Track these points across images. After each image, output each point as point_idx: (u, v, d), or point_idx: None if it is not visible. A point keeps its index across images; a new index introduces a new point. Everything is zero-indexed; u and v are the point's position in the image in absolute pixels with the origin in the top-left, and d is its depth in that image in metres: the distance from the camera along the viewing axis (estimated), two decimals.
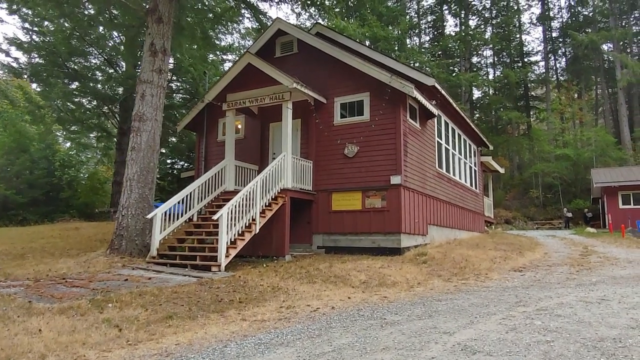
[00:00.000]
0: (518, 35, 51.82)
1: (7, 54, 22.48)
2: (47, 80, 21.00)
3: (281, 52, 13.56)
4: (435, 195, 13.69)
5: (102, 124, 25.28)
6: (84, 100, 22.68)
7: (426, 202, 12.96)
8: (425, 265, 9.74)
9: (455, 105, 15.18)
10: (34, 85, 24.81)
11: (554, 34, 52.83)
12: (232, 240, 9.36)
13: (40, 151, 22.85)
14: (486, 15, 50.74)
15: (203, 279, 8.26)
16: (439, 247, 11.95)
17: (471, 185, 18.56)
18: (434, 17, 48.71)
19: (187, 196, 10.73)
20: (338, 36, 14.05)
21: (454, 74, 39.22)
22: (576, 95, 49.69)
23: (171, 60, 24.05)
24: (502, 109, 44.91)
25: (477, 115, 54.13)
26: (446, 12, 48.91)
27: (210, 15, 14.14)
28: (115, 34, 20.20)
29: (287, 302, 6.65)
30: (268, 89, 11.52)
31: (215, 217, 9.10)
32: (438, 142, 14.47)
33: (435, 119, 14.25)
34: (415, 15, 47.23)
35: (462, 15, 48.97)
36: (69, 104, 22.45)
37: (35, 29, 20.68)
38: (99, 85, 21.94)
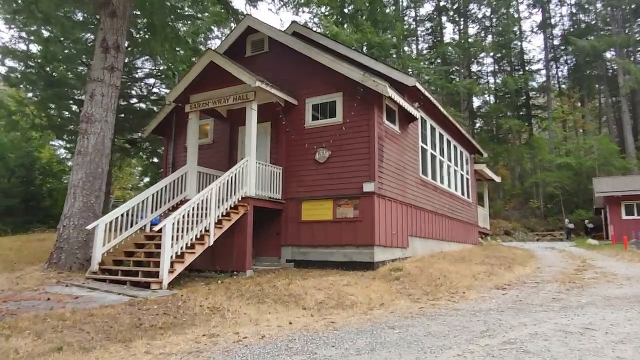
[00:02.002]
0: (519, 43, 51.03)
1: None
2: (24, 85, 20.27)
3: (252, 51, 12.69)
4: (418, 204, 12.67)
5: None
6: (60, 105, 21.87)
7: (407, 212, 11.94)
8: (396, 282, 8.71)
9: (442, 109, 14.21)
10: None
11: (555, 42, 52.01)
12: (180, 253, 8.37)
13: (17, 159, 22.05)
14: (486, 23, 50.01)
15: (137, 298, 7.27)
16: (419, 261, 10.91)
17: (462, 194, 17.51)
18: (432, 25, 47.96)
19: (139, 204, 9.77)
20: (315, 35, 13.15)
21: (452, 82, 38.29)
22: (579, 103, 48.67)
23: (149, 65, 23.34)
24: (502, 117, 43.88)
25: (478, 124, 53.24)
26: (445, 19, 48.17)
27: (178, 11, 13.29)
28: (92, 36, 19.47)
29: (217, 328, 5.65)
30: (231, 88, 10.62)
31: (156, 228, 8.14)
32: (422, 147, 13.49)
33: (420, 123, 13.30)
34: (413, 23, 46.49)
35: (461, 23, 48.26)
36: (50, 110, 21.69)
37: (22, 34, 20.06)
38: (77, 90, 21.13)
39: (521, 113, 49.09)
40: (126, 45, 10.27)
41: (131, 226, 9.57)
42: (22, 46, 20.75)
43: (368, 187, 10.15)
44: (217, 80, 10.77)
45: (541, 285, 8.82)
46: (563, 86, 51.76)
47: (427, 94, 12.71)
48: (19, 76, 20.01)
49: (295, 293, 7.70)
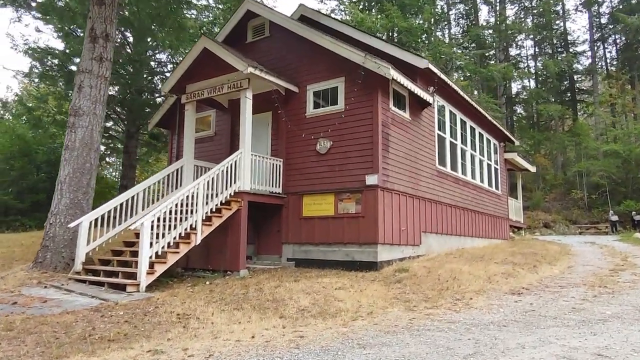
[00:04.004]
0: (561, 23, 47.89)
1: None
2: (46, 81, 20.49)
3: (253, 37, 12.00)
4: (433, 197, 11.66)
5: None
6: None
7: (420, 207, 10.98)
8: (397, 286, 7.84)
9: (462, 93, 13.05)
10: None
11: (602, 20, 48.44)
12: (161, 253, 7.83)
13: (43, 155, 22.41)
14: (525, 3, 47.14)
15: (107, 302, 6.78)
16: (430, 261, 9.96)
17: (490, 185, 16.25)
18: (466, 7, 45.65)
19: (128, 200, 9.32)
20: (324, 18, 12.27)
21: (486, 67, 36.31)
22: (628, 85, 45.24)
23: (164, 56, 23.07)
24: (543, 103, 41.29)
25: (519, 110, 50.54)
26: (479, 0, 45.72)
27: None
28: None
29: (169, 342, 5.02)
30: (226, 76, 9.97)
31: (133, 226, 7.62)
32: (440, 135, 12.42)
33: (436, 109, 12.23)
34: (445, 6, 44.40)
35: (497, 4, 45.70)
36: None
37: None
38: None
39: (565, 98, 46.19)
40: (126, 35, 9.76)
41: (119, 224, 9.13)
42: (42, 43, 20.99)
43: (371, 179, 9.28)
44: (212, 68, 10.16)
45: (565, 290, 7.71)
46: (611, 68, 48.25)
47: (443, 76, 11.63)
48: (40, 72, 20.20)
49: (279, 298, 7.01)
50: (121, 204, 9.13)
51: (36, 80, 20.10)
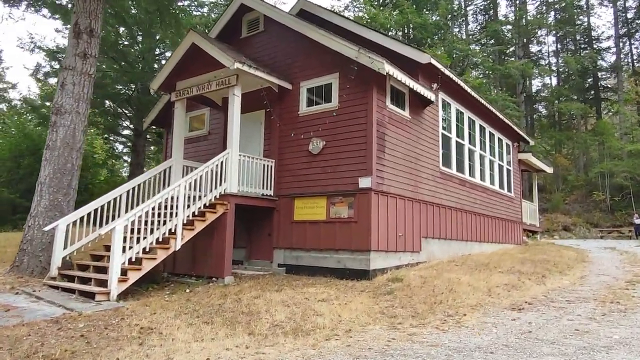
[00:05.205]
0: (585, 19, 46.21)
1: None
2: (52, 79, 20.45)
3: (247, 32, 11.51)
4: (436, 201, 10.99)
5: (109, 124, 24.59)
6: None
7: (421, 211, 10.34)
8: (387, 298, 7.25)
9: (470, 90, 12.33)
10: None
11: (629, 15, 46.54)
12: (135, 259, 7.40)
13: None
14: None
15: (72, 312, 6.38)
16: (429, 269, 9.31)
17: (501, 187, 15.45)
18: (485, 3, 44.37)
19: (110, 202, 8.93)
20: (324, 12, 11.71)
21: (504, 64, 35.17)
22: None
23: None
24: (565, 101, 39.79)
25: (542, 110, 48.98)
26: None
27: None
28: None
29: None
30: (214, 73, 9.50)
31: (103, 231, 7.21)
32: (444, 135, 11.74)
33: (440, 107, 11.56)
34: (462, 1, 43.22)
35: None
36: None
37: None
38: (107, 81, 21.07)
39: (588, 96, 44.56)
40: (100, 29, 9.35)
41: (101, 226, 8.75)
42: (48, 42, 20.96)
43: (364, 182, 8.69)
44: (201, 65, 9.72)
45: (572, 306, 7.00)
46: (637, 64, 46.31)
47: (447, 72, 10.96)
48: (48, 72, 20.17)
49: (255, 310, 6.50)
50: (102, 206, 8.75)
51: (41, 78, 20.04)
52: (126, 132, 27.52)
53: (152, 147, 28.36)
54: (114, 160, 34.39)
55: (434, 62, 10.05)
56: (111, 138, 28.32)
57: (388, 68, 8.45)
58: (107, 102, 23.81)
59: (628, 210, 30.76)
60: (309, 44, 9.93)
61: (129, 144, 29.64)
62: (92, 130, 25.30)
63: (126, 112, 24.96)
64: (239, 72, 9.09)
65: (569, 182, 37.31)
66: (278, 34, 10.76)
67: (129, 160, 26.43)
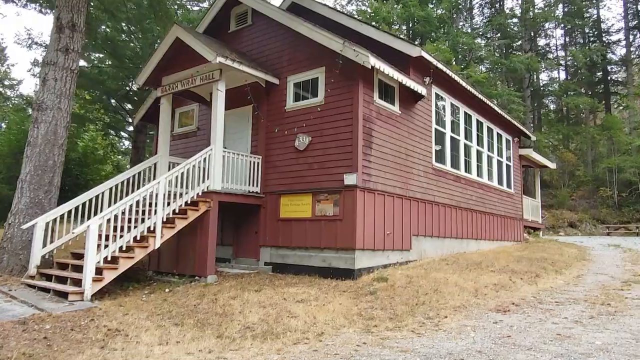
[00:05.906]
0: (594, 11, 45.27)
1: None
2: None
3: (236, 26, 11.31)
4: (428, 198, 10.73)
5: (109, 120, 24.54)
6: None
7: (411, 208, 10.09)
8: (368, 299, 7.03)
9: (465, 84, 12.02)
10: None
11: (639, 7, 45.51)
12: (111, 258, 7.25)
13: None
14: None
15: (41, 313, 6.24)
16: (417, 268, 9.07)
17: (500, 184, 15.12)
18: None
19: (92, 199, 8.79)
20: (317, 6, 11.44)
21: (509, 57, 34.56)
22: None
23: None
24: (573, 96, 39.05)
25: (551, 104, 48.17)
26: None
27: None
28: None
29: None
30: (199, 67, 9.31)
31: (77, 230, 7.06)
32: (438, 130, 11.45)
33: (433, 101, 11.27)
34: None
35: None
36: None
37: None
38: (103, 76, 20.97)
39: (597, 90, 43.71)
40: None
41: (81, 224, 8.60)
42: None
43: (349, 179, 8.46)
44: (186, 59, 9.54)
45: (560, 308, 6.73)
46: None
47: (440, 66, 10.67)
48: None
49: (229, 312, 6.33)
50: (83, 204, 8.62)
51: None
52: (130, 128, 27.55)
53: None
54: (119, 157, 34.43)
55: (425, 55, 9.77)
56: (114, 134, 28.30)
57: (373, 61, 8.19)
58: (106, 98, 23.75)
59: (636, 207, 30.15)
60: (296, 38, 9.70)
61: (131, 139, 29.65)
62: (92, 127, 25.29)
63: (126, 108, 24.89)
64: (223, 66, 8.89)
65: (576, 178, 36.68)
66: (266, 27, 10.54)
67: (131, 156, 26.38)
